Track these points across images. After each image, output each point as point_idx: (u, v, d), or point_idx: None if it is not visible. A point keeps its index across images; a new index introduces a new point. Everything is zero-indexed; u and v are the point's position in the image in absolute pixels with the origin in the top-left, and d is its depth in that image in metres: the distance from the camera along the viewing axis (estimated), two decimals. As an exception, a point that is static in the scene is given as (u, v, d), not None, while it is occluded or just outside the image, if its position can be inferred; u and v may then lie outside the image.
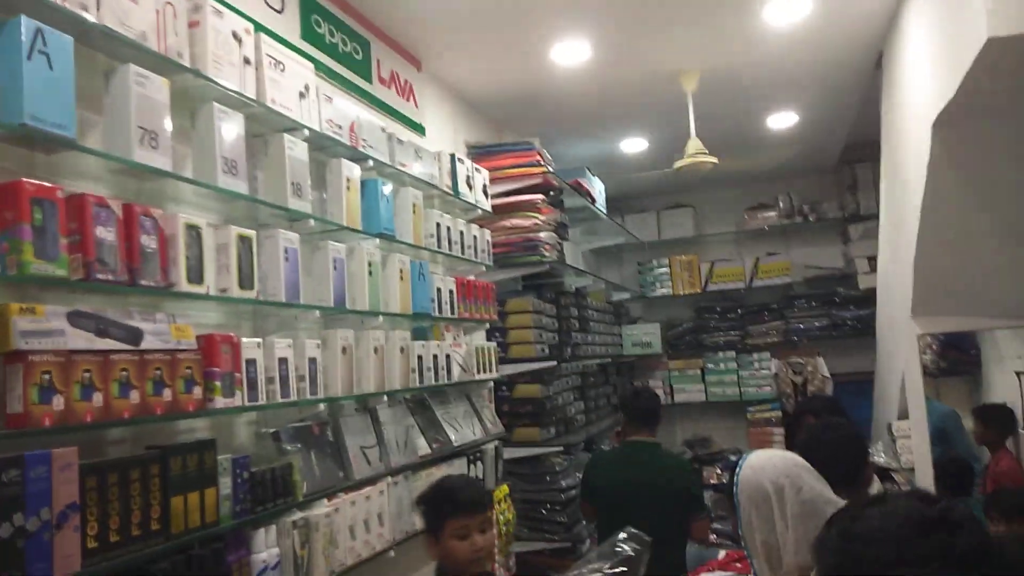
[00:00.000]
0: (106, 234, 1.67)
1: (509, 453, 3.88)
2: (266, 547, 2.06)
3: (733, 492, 1.86)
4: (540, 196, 4.13)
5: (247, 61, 2.21)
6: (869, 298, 6.11)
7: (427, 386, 3.07)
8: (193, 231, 1.94)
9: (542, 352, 4.12)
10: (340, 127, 2.68)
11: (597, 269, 6.32)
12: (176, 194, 2.07)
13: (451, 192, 3.50)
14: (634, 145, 5.38)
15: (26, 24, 1.55)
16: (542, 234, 4.12)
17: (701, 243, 6.82)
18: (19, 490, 1.42)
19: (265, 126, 2.35)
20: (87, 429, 1.62)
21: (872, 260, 6.20)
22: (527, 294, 4.28)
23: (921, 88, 3.31)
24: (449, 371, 3.26)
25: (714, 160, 4.09)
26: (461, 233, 3.52)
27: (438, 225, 3.31)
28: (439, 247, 3.30)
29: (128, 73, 1.78)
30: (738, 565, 3.25)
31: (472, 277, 3.61)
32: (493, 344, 3.80)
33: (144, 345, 1.74)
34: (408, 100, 3.62)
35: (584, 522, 4.18)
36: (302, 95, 2.46)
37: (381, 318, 2.82)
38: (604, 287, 5.82)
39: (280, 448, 2.26)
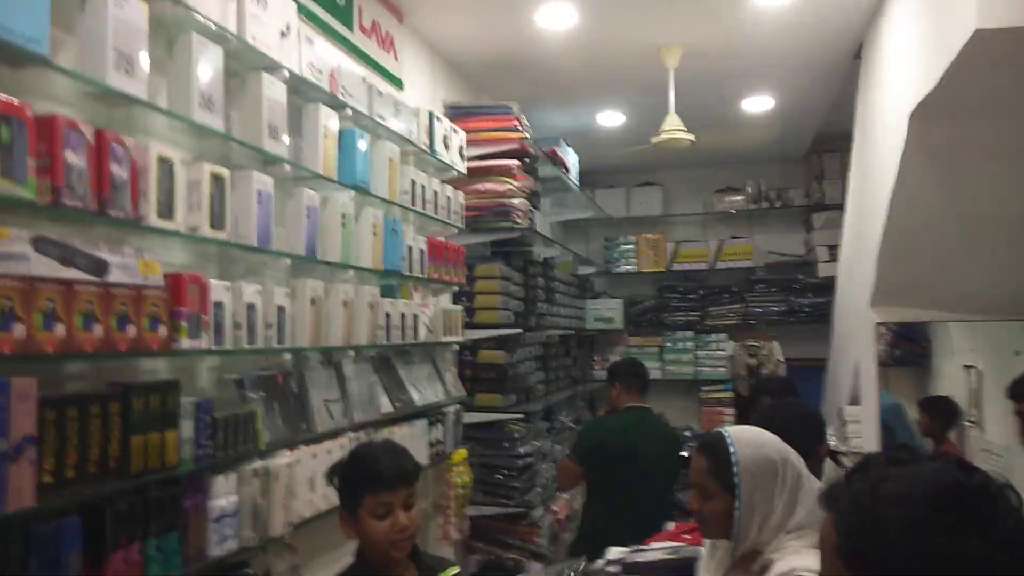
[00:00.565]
0: (76, 160, 1.60)
1: (469, 418, 3.87)
2: (225, 494, 2.02)
3: (707, 470, 1.83)
4: (516, 162, 4.09)
5: (229, -7, 2.12)
6: (827, 286, 6.23)
7: (393, 344, 3.04)
8: (166, 164, 1.86)
9: (508, 319, 4.11)
10: (320, 72, 2.60)
11: (564, 242, 6.31)
12: (147, 126, 1.99)
13: (427, 150, 3.44)
14: (610, 119, 5.36)
15: (0, -73, 1.45)
16: (515, 200, 4.09)
17: (668, 222, 6.85)
18: (-26, 418, 1.36)
19: (244, 63, 2.27)
20: (48, 360, 1.55)
21: (833, 249, 6.31)
22: (496, 260, 4.25)
23: (900, 79, 3.35)
24: (416, 331, 3.23)
25: (691, 137, 4.09)
26: (435, 193, 3.47)
27: (413, 182, 3.25)
28: (413, 205, 3.25)
29: (107, -8, 1.69)
30: (687, 536, 3.30)
31: (442, 238, 3.57)
32: (460, 308, 3.77)
33: (110, 278, 1.67)
34: (388, 52, 3.54)
35: (539, 489, 4.21)
36: (283, 34, 2.38)
37: (352, 272, 2.77)
38: (571, 259, 5.82)
39: (243, 395, 2.21)
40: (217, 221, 2.04)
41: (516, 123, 4.11)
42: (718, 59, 4.31)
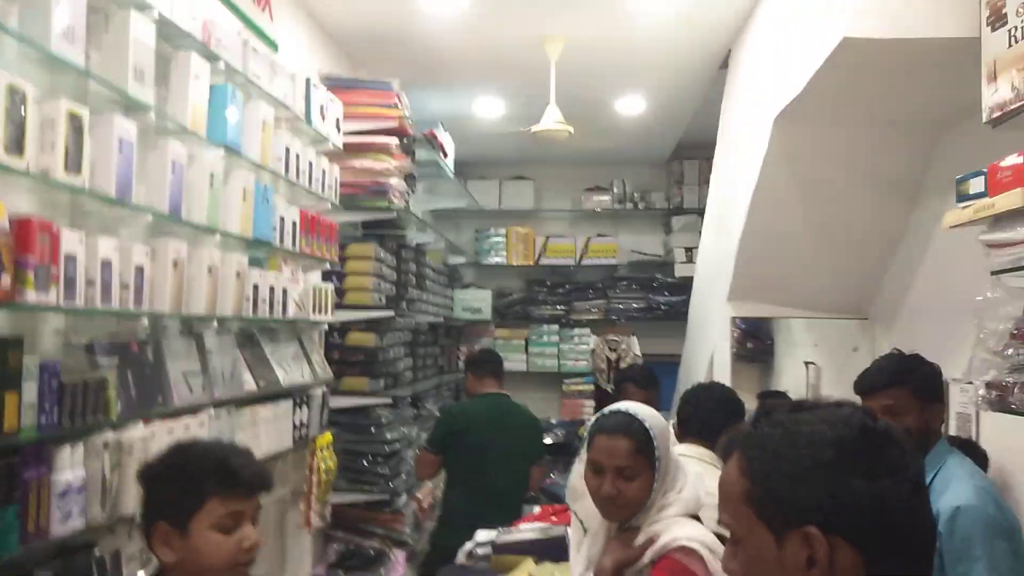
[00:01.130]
0: (-93, 72, 1.38)
1: (335, 401, 3.73)
2: (71, 467, 1.82)
3: (635, 450, 1.86)
4: (395, 140, 3.99)
5: (96, -84, 1.92)
6: (683, 286, 6.54)
7: (260, 318, 2.87)
8: (17, 95, 1.66)
9: (379, 302, 4.01)
10: (193, 20, 2.41)
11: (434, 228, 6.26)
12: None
13: (303, 118, 3.29)
14: (489, 106, 5.36)
15: None
16: (392, 180, 3.99)
17: (538, 217, 6.95)
18: None
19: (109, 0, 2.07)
20: None
21: (689, 251, 6.64)
22: (368, 241, 4.14)
23: (766, 86, 3.55)
24: (285, 306, 3.07)
25: (570, 129, 4.16)
26: (310, 164, 3.32)
27: (287, 150, 3.10)
28: (286, 174, 3.10)
29: None
30: (554, 518, 3.35)
31: (314, 213, 3.42)
32: (330, 286, 3.63)
33: (-57, 215, 1.46)
34: (264, 10, 3.34)
35: (404, 476, 4.13)
36: (154, -27, 2.18)
37: (218, 237, 2.59)
38: (444, 247, 5.77)
39: (93, 361, 2.01)
40: (72, 165, 1.84)
41: (396, 100, 4.02)
42: (598, 56, 4.41)
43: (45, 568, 1.77)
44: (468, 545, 3.07)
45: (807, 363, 5.06)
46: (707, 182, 6.49)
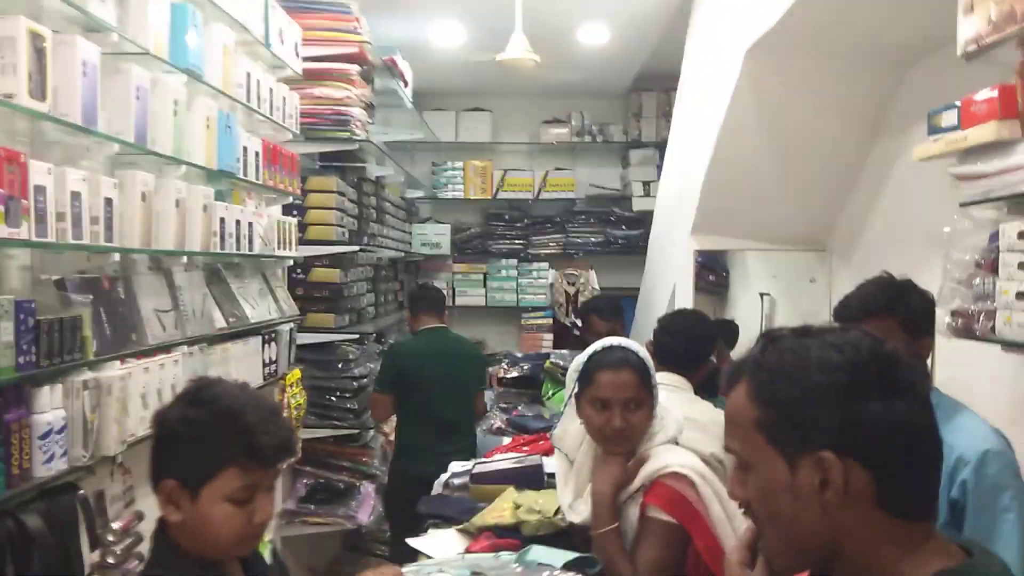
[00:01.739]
0: None
1: (301, 338, 3.68)
2: (51, 407, 1.76)
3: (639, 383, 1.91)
4: (355, 67, 3.85)
5: None
6: (640, 220, 6.58)
7: (228, 254, 2.78)
8: (-27, 10, 1.52)
9: (342, 237, 3.93)
10: (150, -68, 2.24)
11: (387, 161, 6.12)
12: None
13: (262, 42, 3.13)
14: (449, 33, 5.18)
15: None
16: (354, 109, 3.86)
17: (496, 150, 6.85)
18: None
19: (61, -94, 1.90)
20: None
21: (647, 185, 6.66)
22: (328, 174, 4.02)
23: (737, 16, 3.52)
24: (251, 241, 2.98)
25: (536, 58, 4.07)
26: (270, 91, 3.19)
27: (248, 76, 2.95)
28: (248, 101, 2.96)
29: None
30: (525, 448, 3.41)
31: (275, 144, 3.29)
32: (294, 220, 3.53)
33: (-95, 142, 1.35)
34: (218, -72, 3.14)
35: (368, 414, 4.13)
36: None
37: (184, 168, 2.48)
38: (402, 181, 5.65)
39: (65, 299, 1.92)
40: (36, 90, 1.71)
41: (355, 25, 3.86)
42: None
43: (29, 511, 1.71)
44: (444, 476, 3.09)
45: (762, 294, 5.19)
46: (666, 115, 6.49)
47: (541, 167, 6.79)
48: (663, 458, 1.88)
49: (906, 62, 3.30)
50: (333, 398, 3.86)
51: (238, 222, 2.84)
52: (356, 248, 3.97)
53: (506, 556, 2.00)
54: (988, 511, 1.75)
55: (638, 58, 5.85)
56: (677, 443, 1.98)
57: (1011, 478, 1.79)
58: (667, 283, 4.93)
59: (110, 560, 1.98)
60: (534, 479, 2.84)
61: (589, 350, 2.05)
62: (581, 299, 6.54)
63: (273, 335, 3.26)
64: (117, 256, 2.10)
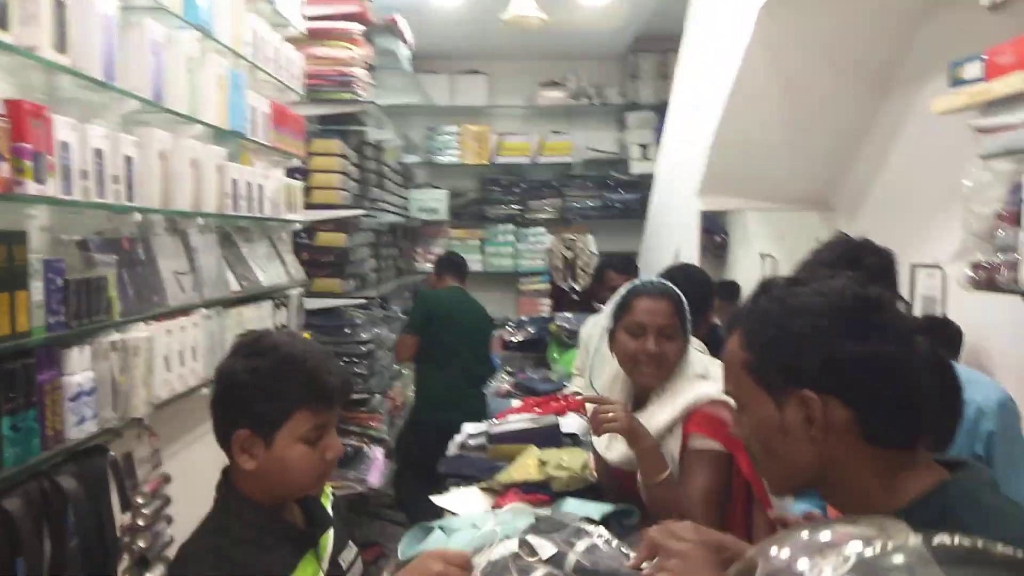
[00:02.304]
0: None
1: (308, 303, 3.65)
2: (81, 369, 1.73)
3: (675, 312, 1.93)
4: (358, 26, 3.77)
5: None
6: (638, 183, 6.56)
7: (240, 216, 2.74)
8: (-5, -44, 1.46)
9: (347, 201, 3.88)
10: None
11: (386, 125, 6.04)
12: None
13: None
14: (447, -5, 5.08)
15: None
16: (356, 70, 3.79)
17: (492, 114, 6.77)
18: None
19: None
20: None
21: (644, 148, 6.63)
22: (331, 136, 3.95)
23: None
24: (262, 204, 2.94)
25: (544, 16, 4.00)
26: (276, 50, 3.12)
27: (255, 34, 2.89)
28: (256, 61, 2.90)
29: None
30: (537, 410, 3.42)
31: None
32: (300, 184, 3.48)
33: (-64, 93, 1.31)
34: None
35: (379, 376, 4.12)
36: None
37: (199, 128, 2.43)
38: (401, 145, 5.58)
39: (88, 259, 1.88)
40: (58, 43, 1.66)
41: (357, -16, 3.78)
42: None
43: (63, 472, 1.69)
44: (459, 437, 3.10)
45: (764, 255, 5.21)
46: (664, 77, 6.43)
47: (538, 131, 6.72)
48: (697, 388, 1.88)
49: (918, 16, 3.28)
50: (342, 362, 3.84)
51: (249, 184, 2.80)
52: (362, 212, 3.92)
53: (540, 511, 2.00)
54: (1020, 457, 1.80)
55: (638, 18, 5.78)
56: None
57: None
58: (669, 245, 4.93)
59: (140, 523, 1.97)
60: (551, 438, 2.85)
61: (628, 284, 2.06)
62: (579, 264, 6.54)
63: (283, 300, 3.23)
64: (138, 217, 2.06)
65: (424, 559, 1.29)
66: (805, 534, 0.79)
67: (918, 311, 3.22)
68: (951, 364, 1.75)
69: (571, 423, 3.01)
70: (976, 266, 2.40)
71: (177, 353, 2.20)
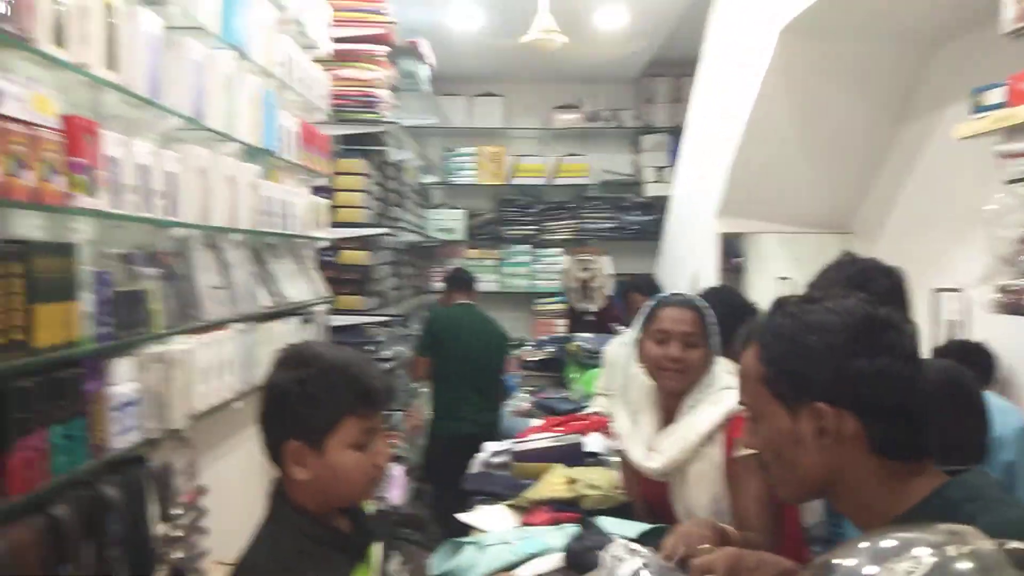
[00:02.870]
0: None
1: (332, 321, 3.68)
2: (126, 379, 1.76)
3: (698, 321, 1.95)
4: (383, 48, 3.83)
5: None
6: (654, 205, 6.59)
7: (272, 232, 2.78)
8: (57, -23, 1.51)
9: (370, 219, 3.92)
10: (202, -93, 2.23)
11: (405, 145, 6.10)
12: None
13: (297, 21, 3.12)
14: (466, 16, 5.16)
15: None
16: (381, 91, 3.85)
17: (508, 136, 6.84)
18: None
19: None
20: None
21: (659, 170, 6.67)
22: (353, 156, 4.01)
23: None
24: (292, 221, 2.98)
25: (564, 38, 4.06)
26: (305, 71, 3.18)
27: (287, 55, 2.95)
28: (287, 82, 2.95)
29: None
30: (559, 429, 3.43)
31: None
32: (326, 201, 3.53)
33: (3, 110, 1.35)
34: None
35: (399, 394, 4.14)
36: None
37: (234, 145, 2.47)
38: (419, 166, 5.64)
39: (132, 272, 1.92)
40: (109, 61, 1.71)
41: (382, 6, 3.84)
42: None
43: (105, 481, 1.72)
44: (482, 456, 3.11)
45: (782, 278, 5.22)
46: (678, 100, 6.49)
47: (553, 152, 6.78)
48: (734, 397, 1.90)
49: (936, 42, 3.32)
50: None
51: (283, 202, 2.84)
52: (385, 231, 3.97)
53: (571, 528, 2.01)
54: None
55: (653, 42, 5.85)
56: None
57: None
58: (687, 268, 4.95)
59: (177, 534, 1.98)
60: (574, 456, 2.87)
61: (658, 297, 2.10)
62: (594, 285, 6.56)
63: (310, 316, 3.26)
64: (178, 231, 2.10)
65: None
66: (868, 543, 0.81)
67: (943, 335, 3.22)
68: (968, 383, 1.75)
69: (593, 442, 3.02)
70: (1001, 289, 2.42)
71: (214, 366, 2.23)
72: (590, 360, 4.30)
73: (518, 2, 4.45)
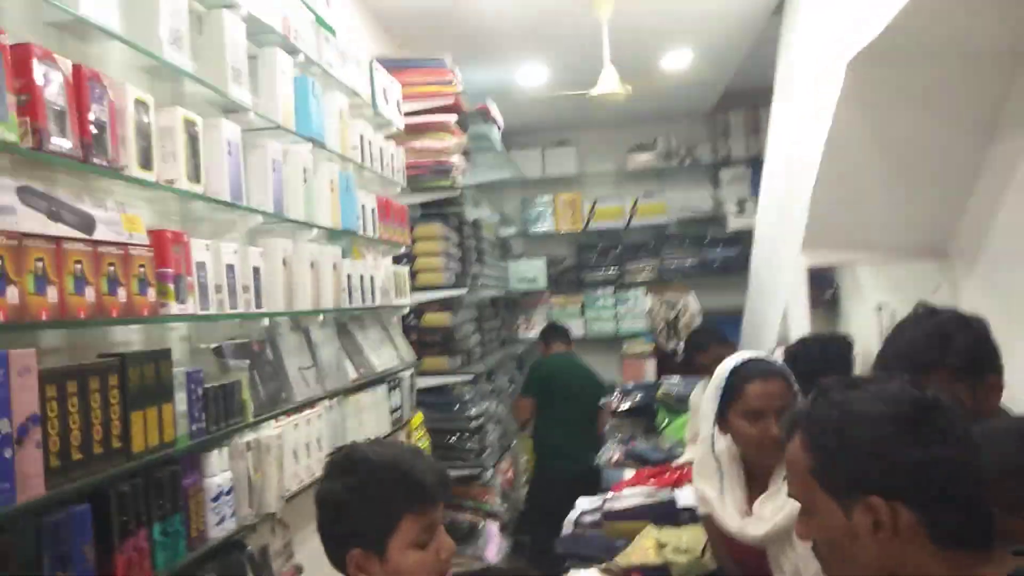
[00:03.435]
0: (57, 97, 1.38)
1: (418, 383, 3.76)
2: (220, 471, 1.85)
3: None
4: (453, 116, 3.96)
5: (186, -82, 1.90)
6: (736, 239, 6.47)
7: (355, 308, 2.89)
8: (142, 107, 1.65)
9: (450, 280, 4.01)
10: (273, 12, 2.39)
11: (482, 202, 6.23)
12: (107, 61, 1.75)
13: (370, 104, 3.27)
14: (533, 74, 5.28)
15: None
16: (453, 158, 3.96)
17: (583, 181, 6.88)
18: (-26, 396, 1.17)
19: (202, 1, 2.05)
20: (36, 329, 1.35)
21: (741, 203, 6.55)
22: (431, 220, 4.12)
23: (835, 28, 3.45)
24: (374, 294, 3.09)
25: (629, 89, 4.09)
26: (380, 149, 3.31)
27: (362, 137, 3.08)
28: (362, 161, 3.09)
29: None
30: (652, 480, 3.37)
31: (386, 198, 3.41)
32: (406, 269, 3.64)
33: (96, 235, 1.47)
34: (322, -1, 3.31)
35: (490, 450, 4.17)
36: (237, -30, 2.16)
37: (315, 231, 2.60)
38: (497, 220, 5.75)
39: (223, 365, 2.03)
40: (193, 173, 1.84)
41: (450, 76, 3.98)
42: (647, 11, 4.32)
43: (206, 570, 1.81)
44: (573, 514, 3.09)
45: (879, 306, 5.00)
46: (755, 132, 6.39)
47: (630, 194, 6.77)
48: None
49: (1015, 60, 3.17)
50: (453, 439, 3.92)
51: (362, 277, 2.95)
52: (464, 291, 4.05)
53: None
54: None
55: (724, 77, 5.80)
56: None
57: None
58: (776, 302, 4.81)
59: (277, 614, 2.06)
60: (668, 514, 2.80)
61: (728, 364, 2.03)
62: (682, 323, 6.46)
63: (396, 382, 3.35)
64: (266, 321, 2.21)
65: None
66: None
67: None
68: None
69: (687, 496, 2.95)
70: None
71: (304, 445, 2.32)
72: (679, 405, 4.22)
73: (583, 57, 4.51)
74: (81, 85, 1.45)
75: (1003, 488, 1.09)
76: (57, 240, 1.36)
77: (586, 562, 2.57)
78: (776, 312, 4.75)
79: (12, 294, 1.25)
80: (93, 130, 1.48)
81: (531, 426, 4.99)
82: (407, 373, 3.48)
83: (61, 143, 1.39)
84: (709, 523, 2.08)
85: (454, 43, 4.59)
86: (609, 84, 4.06)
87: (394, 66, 3.89)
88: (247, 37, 2.24)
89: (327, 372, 2.59)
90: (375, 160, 3.22)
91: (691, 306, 6.46)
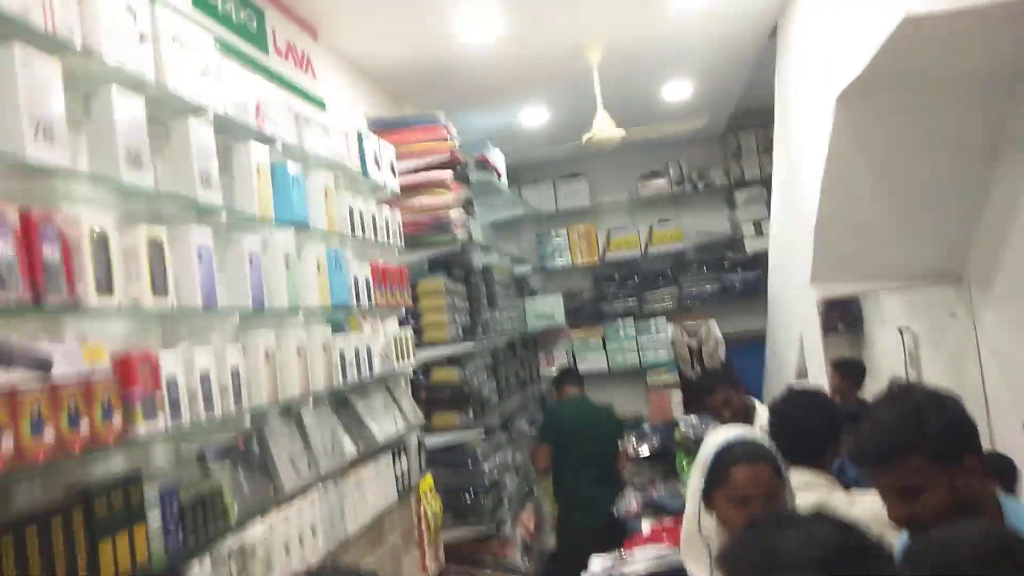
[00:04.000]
0: (3, 248, 1.41)
1: (429, 441, 3.76)
2: (203, 581, 1.86)
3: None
4: (449, 172, 3.97)
5: (143, 37, 1.94)
6: (755, 261, 6.37)
7: (351, 383, 2.90)
8: (99, 236, 1.68)
9: (456, 333, 4.01)
10: (245, 107, 2.42)
11: (495, 242, 6.23)
12: (68, 192, 1.80)
13: (359, 172, 3.29)
14: (534, 117, 5.30)
15: None
16: (452, 213, 3.97)
17: (597, 212, 6.86)
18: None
19: (165, 109, 2.08)
20: (-6, 479, 1.38)
21: (757, 224, 6.46)
22: (436, 274, 4.13)
23: (823, 62, 3.40)
24: (371, 364, 3.09)
25: (622, 133, 4.07)
26: (373, 217, 3.33)
27: (351, 209, 3.10)
28: (352, 233, 3.10)
29: (13, 54, 1.50)
30: (666, 536, 3.31)
31: (381, 261, 3.42)
32: (409, 330, 3.64)
33: (56, 370, 1.50)
34: (306, 71, 3.36)
35: (507, 503, 4.14)
36: (203, 73, 2.20)
37: (301, 316, 2.62)
38: (508, 262, 5.74)
39: (205, 468, 2.05)
40: (159, 288, 1.86)
41: (444, 132, 4.00)
42: (640, 51, 4.31)
43: None
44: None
45: (901, 329, 4.87)
46: (767, 150, 6.31)
47: (644, 221, 6.73)
48: None
49: (1014, 82, 3.08)
50: (467, 496, 3.90)
51: (356, 350, 2.96)
52: (470, 346, 4.03)
53: None
54: None
55: (729, 99, 5.75)
56: None
57: None
58: (792, 331, 4.73)
59: None
60: (677, 577, 2.75)
61: (712, 445, 1.99)
62: (705, 351, 6.37)
63: (402, 447, 3.34)
64: (248, 416, 2.23)
65: None
66: None
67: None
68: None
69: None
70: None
71: (296, 537, 2.32)
72: (697, 447, 4.14)
73: (580, 98, 4.51)
74: (30, 231, 1.48)
75: None
76: (12, 388, 1.39)
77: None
78: (792, 341, 4.67)
79: (-40, 454, 1.28)
80: (46, 271, 1.51)
81: (550, 474, 4.93)
82: (413, 436, 3.48)
83: (10, 292, 1.41)
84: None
85: (452, 93, 4.63)
86: (603, 128, 4.04)
87: (386, 127, 3.94)
88: (219, 133, 2.28)
89: (322, 455, 2.59)
90: (367, 229, 3.24)
91: (713, 332, 6.37)
